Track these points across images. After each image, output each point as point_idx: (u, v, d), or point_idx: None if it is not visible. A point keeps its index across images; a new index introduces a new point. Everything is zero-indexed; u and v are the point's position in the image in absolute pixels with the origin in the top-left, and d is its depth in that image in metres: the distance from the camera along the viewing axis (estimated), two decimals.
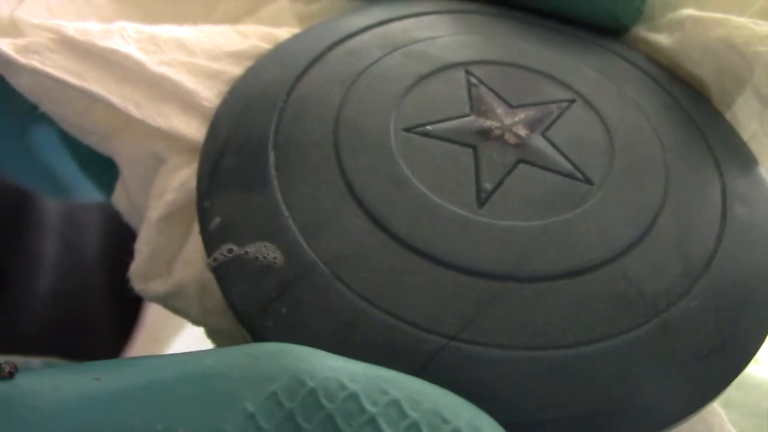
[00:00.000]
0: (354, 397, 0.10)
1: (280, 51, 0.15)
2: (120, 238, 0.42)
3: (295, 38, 0.15)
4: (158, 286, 0.15)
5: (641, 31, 0.17)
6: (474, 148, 0.13)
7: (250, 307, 0.12)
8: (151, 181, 0.15)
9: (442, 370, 0.11)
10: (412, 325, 0.11)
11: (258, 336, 0.12)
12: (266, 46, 0.15)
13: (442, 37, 0.15)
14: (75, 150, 0.19)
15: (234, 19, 0.17)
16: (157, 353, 0.36)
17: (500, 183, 0.13)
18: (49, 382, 0.11)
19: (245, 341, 0.13)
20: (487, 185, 0.13)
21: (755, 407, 0.19)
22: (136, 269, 0.15)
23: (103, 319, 0.39)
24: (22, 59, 0.14)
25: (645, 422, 0.11)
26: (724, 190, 0.14)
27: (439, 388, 0.11)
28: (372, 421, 0.10)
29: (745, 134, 0.16)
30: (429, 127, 0.14)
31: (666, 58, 0.16)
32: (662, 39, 0.16)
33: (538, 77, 0.15)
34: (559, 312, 0.12)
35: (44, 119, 0.19)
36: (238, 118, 0.14)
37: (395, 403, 0.10)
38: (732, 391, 0.20)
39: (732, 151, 0.15)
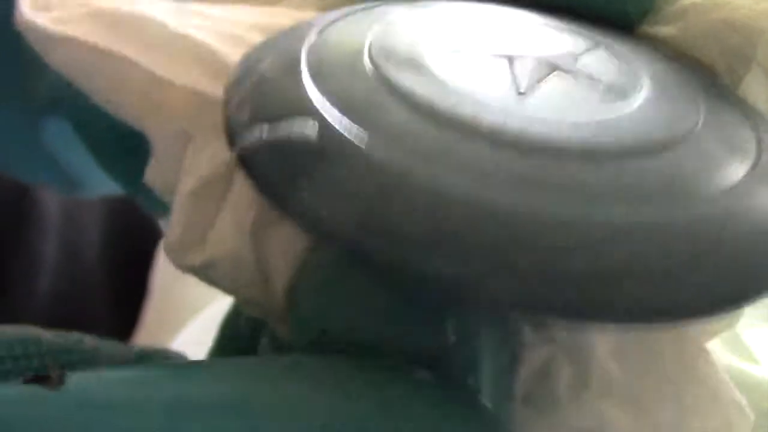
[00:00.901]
0: None
1: (307, 19, 0.16)
2: (120, 238, 0.42)
3: (327, 10, 0.16)
4: (192, 259, 0.15)
5: (646, 26, 0.17)
6: (509, 59, 0.14)
7: (282, 181, 0.12)
8: (181, 157, 0.15)
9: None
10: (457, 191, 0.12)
11: (292, 210, 0.12)
12: (289, 23, 0.16)
13: (458, 3, 0.16)
14: (91, 142, 0.19)
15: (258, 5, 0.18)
16: None
17: (536, 84, 0.13)
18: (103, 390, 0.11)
19: (278, 311, 0.14)
20: (524, 84, 0.13)
21: (755, 407, 0.19)
22: (170, 243, 0.15)
23: (102, 320, 0.39)
24: (59, 34, 0.15)
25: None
26: (755, 128, 0.14)
27: None
28: None
29: None
30: (462, 49, 0.14)
31: (672, 47, 0.16)
32: (666, 30, 0.16)
33: (561, 29, 0.15)
34: (605, 188, 0.12)
35: (55, 114, 0.19)
36: (270, 47, 0.14)
37: None
38: None
39: (757, 112, 0.15)
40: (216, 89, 0.15)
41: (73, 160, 0.21)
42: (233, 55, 0.15)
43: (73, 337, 0.14)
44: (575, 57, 0.15)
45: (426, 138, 0.12)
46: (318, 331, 0.13)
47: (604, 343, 0.14)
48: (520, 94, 0.13)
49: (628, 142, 0.13)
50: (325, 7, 0.17)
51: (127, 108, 0.16)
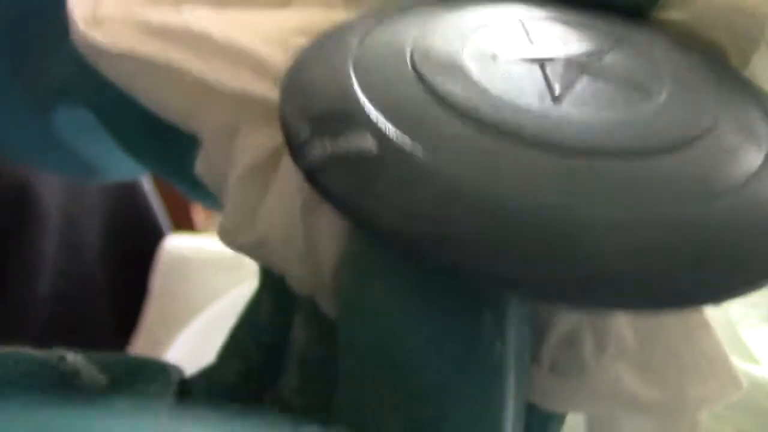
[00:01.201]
0: None
1: (344, 24, 0.16)
2: (120, 238, 0.42)
3: (358, 16, 0.17)
4: (243, 239, 0.16)
5: (656, 12, 0.18)
6: (541, 63, 0.15)
7: (347, 194, 0.13)
8: (229, 149, 0.16)
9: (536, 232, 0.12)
10: (506, 197, 0.13)
11: (360, 218, 0.13)
12: (327, 24, 0.17)
13: (485, 3, 0.17)
14: (119, 131, 0.20)
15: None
16: (157, 355, 0.36)
17: (569, 88, 0.15)
18: None
19: (325, 289, 0.15)
20: (557, 88, 0.15)
21: (755, 407, 0.19)
22: (222, 226, 0.16)
23: (102, 319, 0.39)
24: (113, 47, 0.16)
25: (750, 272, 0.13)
26: (766, 114, 0.15)
27: None
28: None
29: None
30: (498, 54, 0.15)
31: (682, 31, 0.17)
32: (677, 14, 0.17)
33: (583, 27, 0.17)
34: (647, 184, 0.13)
35: (64, 104, 0.19)
36: (317, 56, 0.15)
37: None
38: None
39: (763, 91, 0.16)
40: (262, 88, 0.16)
41: (85, 147, 0.22)
42: (277, 57, 0.16)
43: (56, 353, 0.14)
44: (600, 57, 0.16)
45: (474, 146, 0.13)
46: (357, 315, 0.14)
47: (621, 314, 0.15)
48: (555, 99, 0.14)
49: (657, 140, 0.14)
50: (350, 6, 0.18)
51: (177, 111, 0.17)
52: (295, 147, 0.14)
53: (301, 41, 0.16)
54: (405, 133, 0.13)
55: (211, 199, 0.18)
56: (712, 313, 0.16)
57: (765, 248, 0.13)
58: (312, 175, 0.14)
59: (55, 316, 0.37)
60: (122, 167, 0.24)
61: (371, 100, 0.14)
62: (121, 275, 0.41)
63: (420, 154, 0.13)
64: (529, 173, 0.13)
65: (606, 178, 0.13)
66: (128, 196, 0.42)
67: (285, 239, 0.15)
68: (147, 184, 0.44)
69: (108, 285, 0.40)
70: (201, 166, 0.17)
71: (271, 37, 0.16)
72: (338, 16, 0.17)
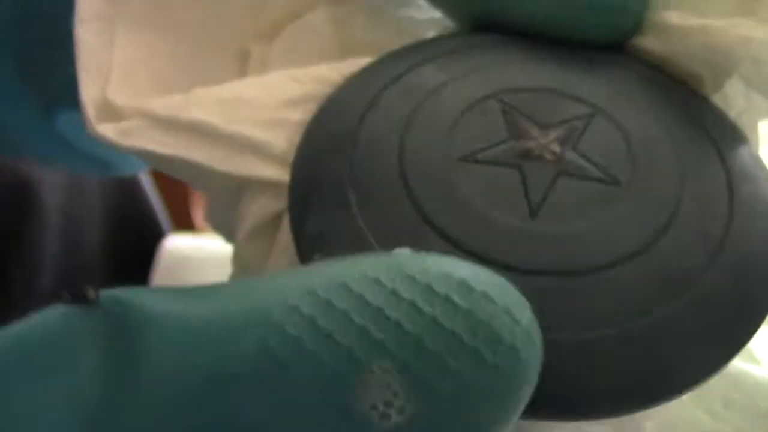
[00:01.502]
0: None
1: (336, 100, 0.18)
2: (120, 235, 0.42)
3: (346, 86, 0.18)
4: None
5: (631, 42, 0.18)
6: (519, 167, 0.16)
7: None
8: (234, 204, 0.18)
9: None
10: None
11: None
12: (320, 88, 0.18)
13: (462, 76, 0.18)
14: None
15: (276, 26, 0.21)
16: None
17: (545, 196, 0.15)
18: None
19: None
20: (535, 199, 0.15)
21: (755, 407, 0.19)
22: (233, 278, 0.18)
23: None
24: (125, 142, 0.17)
25: (678, 383, 0.14)
26: (728, 173, 0.16)
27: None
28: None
29: (734, 111, 0.18)
30: (478, 155, 0.16)
31: (656, 59, 0.18)
32: (650, 44, 0.18)
33: (558, 97, 0.17)
34: (610, 296, 0.14)
35: (71, 105, 0.20)
36: (314, 166, 0.17)
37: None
38: (732, 391, 0.20)
39: (729, 136, 0.17)
40: (265, 170, 0.17)
41: (91, 145, 0.22)
42: (275, 140, 0.17)
43: None
44: (574, 143, 0.16)
45: None
46: None
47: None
48: (531, 213, 0.15)
49: (618, 250, 0.15)
50: (344, 54, 0.19)
51: (184, 178, 0.18)
52: (293, 225, 0.16)
53: (299, 115, 0.17)
54: (385, 247, 0.15)
55: None
56: None
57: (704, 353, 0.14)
58: (300, 251, 0.15)
59: None
60: (127, 162, 0.24)
61: (360, 208, 0.15)
62: (122, 273, 0.41)
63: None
64: None
65: (570, 295, 0.14)
66: (129, 194, 0.42)
67: None
68: (147, 183, 0.44)
69: (108, 282, 0.40)
70: (208, 215, 0.19)
71: (269, 119, 0.17)
72: (325, 72, 0.18)
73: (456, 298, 0.11)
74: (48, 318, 0.12)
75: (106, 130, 0.17)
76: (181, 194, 0.53)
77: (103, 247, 0.41)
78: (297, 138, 0.17)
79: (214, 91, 0.18)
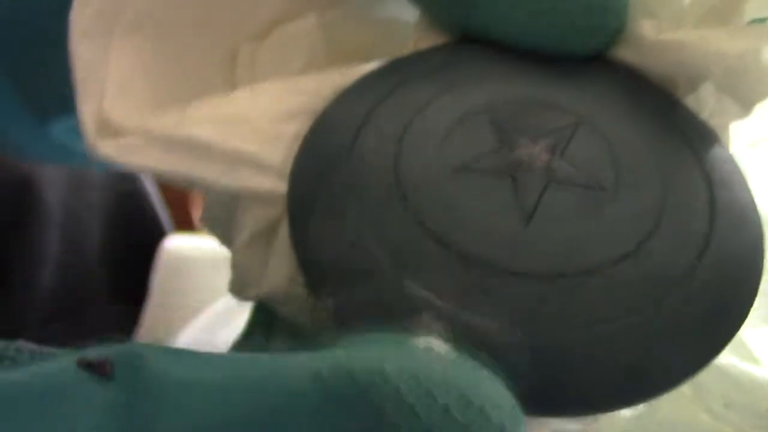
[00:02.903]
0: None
1: (329, 116, 0.18)
2: (121, 234, 0.42)
3: (337, 103, 0.18)
4: (251, 294, 0.18)
5: (608, 52, 0.19)
6: (511, 176, 0.16)
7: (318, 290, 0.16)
8: (231, 211, 0.19)
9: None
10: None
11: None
12: (314, 99, 0.18)
13: (449, 91, 0.18)
14: None
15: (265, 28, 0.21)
16: None
17: (537, 204, 0.16)
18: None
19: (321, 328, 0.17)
20: (528, 207, 0.16)
21: (755, 407, 0.20)
22: (232, 284, 0.19)
23: (102, 315, 0.39)
24: (124, 159, 0.18)
25: (666, 380, 0.15)
26: (707, 180, 0.17)
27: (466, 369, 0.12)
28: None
29: (705, 112, 0.18)
30: (471, 166, 0.17)
31: (634, 65, 0.19)
32: (626, 56, 0.19)
33: (543, 108, 0.18)
34: (600, 298, 0.15)
35: (67, 113, 0.21)
36: (311, 181, 0.17)
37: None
38: (732, 391, 0.20)
39: (705, 141, 0.18)
40: (262, 183, 0.18)
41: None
42: (271, 153, 0.18)
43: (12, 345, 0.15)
44: (563, 151, 0.17)
45: (448, 273, 0.15)
46: None
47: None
48: (525, 219, 0.16)
49: (612, 249, 0.15)
50: (332, 58, 0.20)
51: (182, 184, 0.19)
52: (294, 241, 0.16)
53: (293, 128, 0.18)
54: (387, 256, 0.15)
55: None
56: None
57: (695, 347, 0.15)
58: (303, 266, 0.16)
59: (56, 310, 0.37)
60: None
61: (360, 220, 0.16)
62: (122, 271, 0.41)
63: (397, 278, 0.15)
64: (499, 299, 0.15)
65: (566, 297, 0.15)
66: (129, 192, 0.42)
67: (288, 296, 0.17)
68: (149, 182, 0.44)
69: (109, 281, 0.40)
70: (204, 219, 0.20)
71: (264, 133, 0.18)
72: (316, 84, 0.19)
73: (454, 410, 0.11)
74: (60, 375, 0.12)
75: (106, 147, 0.18)
76: (181, 194, 0.53)
77: (104, 245, 0.41)
78: (292, 150, 0.18)
79: (209, 107, 0.18)
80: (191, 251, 0.42)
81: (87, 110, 0.18)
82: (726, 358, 0.20)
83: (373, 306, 0.15)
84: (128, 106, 0.19)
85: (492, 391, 0.12)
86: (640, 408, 0.19)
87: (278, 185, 0.17)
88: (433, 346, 0.13)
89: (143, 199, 0.43)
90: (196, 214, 0.54)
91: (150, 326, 0.40)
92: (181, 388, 0.12)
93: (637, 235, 0.16)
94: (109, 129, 0.18)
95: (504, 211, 0.16)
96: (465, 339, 0.14)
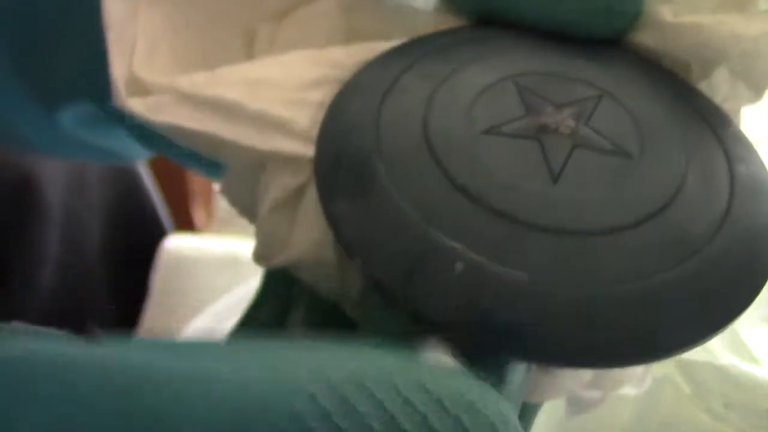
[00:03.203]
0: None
1: (356, 83, 0.19)
2: (121, 234, 0.42)
3: (363, 71, 0.19)
4: (278, 261, 0.18)
5: (627, 37, 0.20)
6: (539, 140, 0.17)
7: (359, 247, 0.16)
8: (254, 179, 0.19)
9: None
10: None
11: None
12: (336, 72, 0.19)
13: (475, 63, 0.19)
14: (127, 123, 0.21)
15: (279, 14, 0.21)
16: None
17: (564, 165, 0.16)
18: None
19: (351, 299, 0.17)
20: (555, 167, 0.16)
21: (755, 407, 0.20)
22: (257, 251, 0.19)
23: (103, 314, 0.39)
24: (154, 117, 0.18)
25: (664, 347, 0.15)
26: (726, 154, 0.17)
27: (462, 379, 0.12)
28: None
29: (718, 97, 0.19)
30: (499, 129, 0.17)
31: (649, 52, 0.19)
32: (643, 39, 0.19)
33: (567, 80, 0.18)
34: (623, 256, 0.15)
35: (73, 101, 0.21)
36: (339, 142, 0.17)
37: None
38: (732, 391, 0.20)
39: (721, 120, 0.18)
40: (287, 145, 0.18)
41: (94, 138, 0.23)
42: (297, 117, 0.18)
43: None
44: (587, 120, 0.17)
45: (479, 228, 0.15)
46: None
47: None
48: (554, 179, 0.16)
49: (634, 213, 0.16)
50: (350, 39, 0.20)
51: (208, 152, 0.19)
52: (323, 200, 0.16)
53: (318, 95, 0.18)
54: (417, 210, 0.16)
55: (213, 169, 0.20)
56: None
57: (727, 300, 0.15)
58: (333, 224, 0.16)
59: (56, 309, 0.37)
60: (132, 151, 0.24)
61: (389, 177, 0.16)
62: (123, 271, 0.41)
63: (447, 249, 0.15)
64: (527, 252, 0.15)
65: (593, 258, 0.15)
66: (130, 191, 0.42)
67: (315, 261, 0.18)
68: (149, 182, 0.44)
69: (109, 280, 0.40)
70: (226, 191, 0.20)
71: (291, 98, 0.18)
72: (341, 56, 0.19)
73: (465, 421, 0.12)
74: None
75: (135, 104, 0.18)
76: (182, 194, 0.53)
77: (104, 244, 0.41)
78: (318, 116, 0.18)
79: (238, 70, 0.19)
80: (191, 251, 0.42)
81: (118, 67, 0.18)
82: (726, 358, 0.20)
83: (404, 260, 0.15)
84: (157, 65, 0.19)
85: (499, 406, 0.12)
86: (640, 408, 0.19)
87: (305, 149, 0.17)
88: (442, 361, 0.13)
89: (143, 199, 0.43)
90: (196, 214, 0.54)
91: (150, 326, 0.40)
92: (186, 387, 0.12)
93: (660, 200, 0.16)
94: (138, 87, 0.19)
95: (532, 170, 0.16)
96: (490, 289, 0.14)
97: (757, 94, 0.19)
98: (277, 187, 0.18)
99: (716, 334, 0.15)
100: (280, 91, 0.18)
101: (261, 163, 0.18)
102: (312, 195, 0.17)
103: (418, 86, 0.18)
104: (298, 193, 0.18)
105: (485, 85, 0.18)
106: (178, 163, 0.23)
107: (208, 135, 0.18)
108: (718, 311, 0.15)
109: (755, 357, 0.20)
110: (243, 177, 0.19)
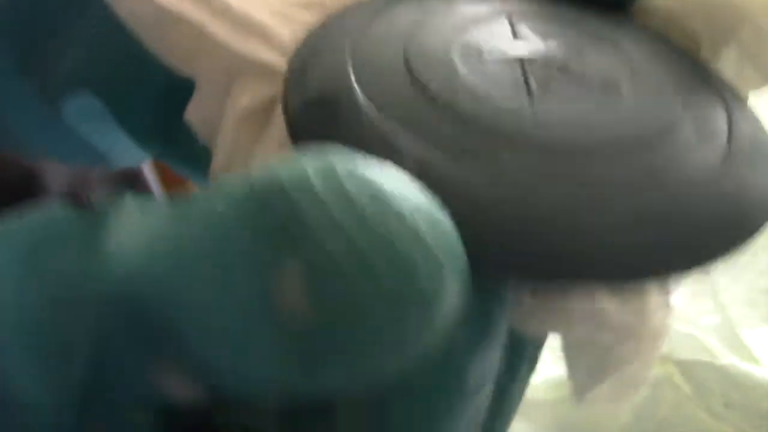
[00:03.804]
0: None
1: (344, 11, 0.18)
2: None
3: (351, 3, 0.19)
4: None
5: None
6: (521, 61, 0.17)
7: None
8: (223, 96, 0.18)
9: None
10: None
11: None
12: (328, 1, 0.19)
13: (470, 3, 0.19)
14: (126, 117, 0.21)
15: None
16: None
17: (545, 84, 0.16)
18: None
19: None
20: (534, 86, 0.16)
21: (755, 407, 0.20)
22: (215, 167, 0.18)
23: None
24: None
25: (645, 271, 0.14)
26: (728, 110, 0.17)
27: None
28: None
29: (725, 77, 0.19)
30: (483, 50, 0.17)
31: (661, 15, 0.19)
32: (653, 13, 0.19)
33: (566, 23, 0.18)
34: (602, 180, 0.14)
35: (74, 95, 0.20)
36: (314, 59, 0.17)
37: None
38: (732, 391, 0.20)
39: (727, 85, 0.18)
40: (265, 54, 0.17)
41: (93, 135, 0.23)
42: (282, 30, 0.18)
43: None
44: (579, 55, 0.17)
45: (455, 140, 0.15)
46: None
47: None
48: (530, 95, 0.16)
49: (622, 139, 0.15)
50: None
51: (180, 56, 0.18)
52: (292, 125, 0.16)
53: (306, 16, 0.18)
54: (391, 122, 0.15)
55: (205, 174, 0.19)
56: (713, 313, 0.16)
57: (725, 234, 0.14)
58: (293, 129, 0.16)
59: None
60: (128, 155, 0.24)
61: (366, 94, 0.16)
62: None
63: (405, 141, 0.15)
64: (498, 167, 0.14)
65: (571, 175, 0.14)
66: (131, 191, 0.42)
67: None
68: (152, 181, 0.44)
69: None
70: (192, 111, 0.19)
71: (278, 11, 0.18)
72: None
73: (366, 209, 0.11)
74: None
75: None
76: (181, 194, 0.53)
77: None
78: (299, 34, 0.18)
79: None
80: None
81: None
82: (726, 358, 0.20)
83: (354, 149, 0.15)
84: None
85: (421, 204, 0.11)
86: (640, 407, 0.19)
87: (280, 61, 0.17)
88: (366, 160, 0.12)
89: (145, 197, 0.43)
90: None
91: None
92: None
93: (648, 134, 0.15)
94: None
95: (511, 86, 0.16)
96: (446, 188, 0.14)
97: (765, 78, 0.19)
98: (246, 95, 0.18)
99: (714, 263, 0.14)
100: (268, 2, 0.18)
101: (232, 75, 0.18)
102: (280, 111, 0.17)
103: (407, 12, 0.18)
104: (268, 108, 0.17)
105: (477, 14, 0.18)
106: (172, 169, 0.22)
107: (192, 25, 0.18)
108: (693, 254, 0.14)
109: (755, 357, 0.20)
110: (212, 90, 0.19)
